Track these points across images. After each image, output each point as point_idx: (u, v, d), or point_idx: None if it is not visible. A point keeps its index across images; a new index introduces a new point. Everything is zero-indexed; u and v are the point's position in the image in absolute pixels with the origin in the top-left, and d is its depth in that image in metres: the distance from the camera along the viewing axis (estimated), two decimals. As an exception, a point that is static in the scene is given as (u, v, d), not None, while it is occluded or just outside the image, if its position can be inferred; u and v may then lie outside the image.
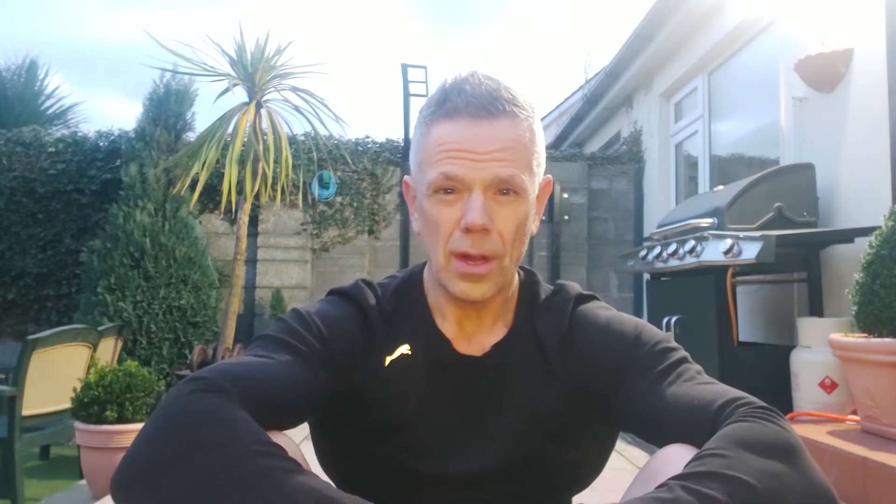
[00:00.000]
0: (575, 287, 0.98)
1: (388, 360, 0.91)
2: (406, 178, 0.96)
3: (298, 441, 0.83)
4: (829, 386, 2.68)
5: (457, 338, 0.93)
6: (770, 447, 0.65)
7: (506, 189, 0.84)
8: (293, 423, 0.83)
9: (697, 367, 0.87)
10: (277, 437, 0.73)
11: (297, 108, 4.70)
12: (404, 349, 0.91)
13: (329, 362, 0.86)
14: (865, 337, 2.14)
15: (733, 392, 0.77)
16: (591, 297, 0.98)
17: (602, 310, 0.96)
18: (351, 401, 0.90)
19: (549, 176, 0.94)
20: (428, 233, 0.88)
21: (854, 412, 2.37)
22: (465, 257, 0.84)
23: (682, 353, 0.88)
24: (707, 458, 0.64)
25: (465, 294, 0.86)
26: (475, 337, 0.93)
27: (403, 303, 0.95)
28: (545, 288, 0.99)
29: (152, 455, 0.65)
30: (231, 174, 4.38)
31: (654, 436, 0.83)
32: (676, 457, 0.72)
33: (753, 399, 0.75)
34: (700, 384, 0.81)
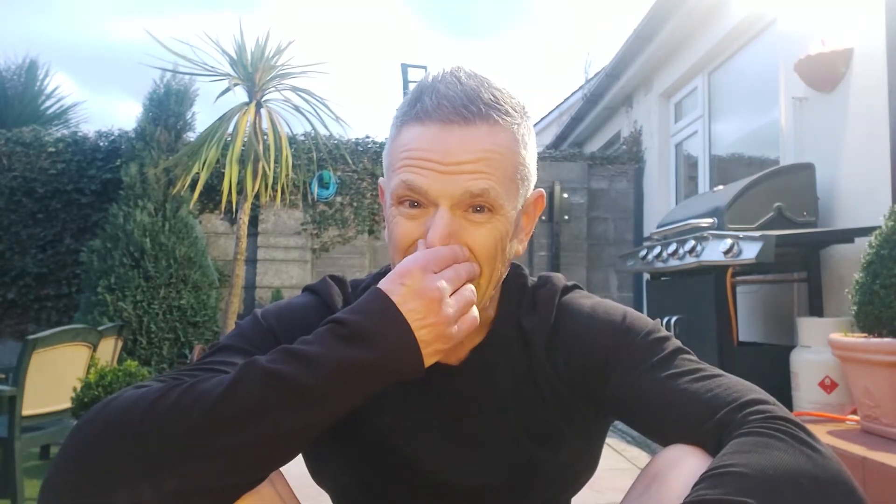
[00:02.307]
0: (560, 279, 0.93)
1: None
2: (381, 180, 0.87)
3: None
4: (829, 386, 2.68)
5: None
6: (790, 464, 0.61)
7: (479, 205, 0.75)
8: None
9: (694, 357, 0.81)
10: None
11: (297, 108, 4.70)
12: None
13: None
14: (865, 337, 2.13)
15: (745, 392, 0.71)
16: (573, 287, 0.93)
17: (585, 298, 0.90)
18: None
19: (541, 190, 0.87)
20: (389, 244, 0.81)
21: (854, 412, 2.37)
22: None
23: (676, 342, 0.83)
24: (725, 476, 0.59)
25: None
26: (453, 347, 0.84)
27: None
28: (530, 280, 0.93)
29: (77, 457, 0.64)
30: (231, 174, 4.38)
31: (654, 431, 0.79)
32: (679, 460, 0.69)
33: (768, 405, 0.69)
34: (705, 379, 0.76)
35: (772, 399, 0.72)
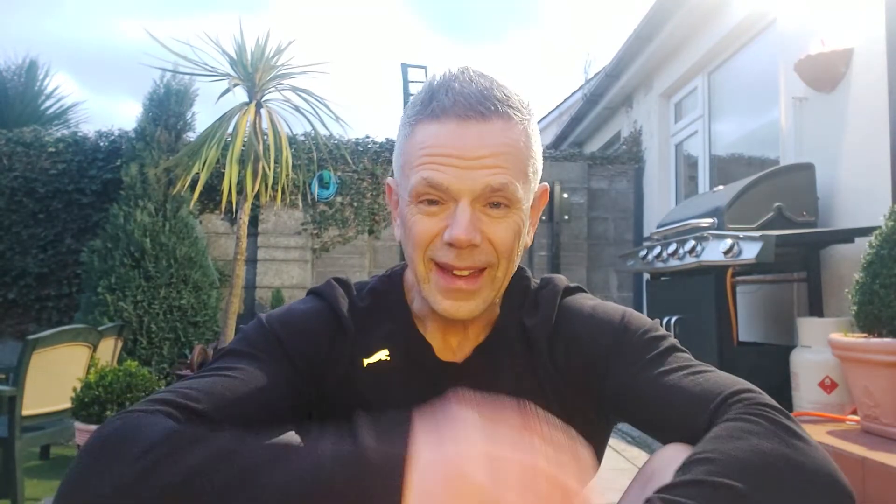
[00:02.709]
0: (563, 280, 0.95)
1: (366, 362, 0.86)
2: (389, 180, 0.89)
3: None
4: (829, 386, 2.68)
5: (440, 348, 0.88)
6: (762, 447, 0.62)
7: (497, 201, 0.77)
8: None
9: (688, 355, 0.83)
10: None
11: (297, 108, 4.70)
12: (382, 354, 0.87)
13: (288, 364, 0.82)
14: (865, 337, 2.13)
15: (732, 385, 0.73)
16: (576, 289, 0.94)
17: (587, 299, 0.92)
18: (328, 404, 0.86)
19: (546, 184, 0.89)
20: (407, 242, 0.82)
21: (854, 412, 2.37)
22: (448, 270, 0.77)
23: (672, 340, 0.84)
24: (693, 464, 0.62)
25: (448, 314, 0.80)
26: (460, 347, 0.89)
27: (381, 303, 0.90)
28: (532, 282, 0.94)
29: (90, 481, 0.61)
30: (231, 174, 4.37)
31: (650, 427, 0.80)
32: (675, 458, 0.69)
33: (752, 393, 0.71)
34: (695, 374, 0.77)
35: (758, 390, 0.73)
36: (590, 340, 0.86)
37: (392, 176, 0.88)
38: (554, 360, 0.87)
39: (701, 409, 0.72)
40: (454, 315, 0.80)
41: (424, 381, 0.86)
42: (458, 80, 0.79)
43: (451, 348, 0.89)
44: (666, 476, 0.69)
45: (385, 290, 0.92)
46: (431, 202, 0.77)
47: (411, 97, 0.87)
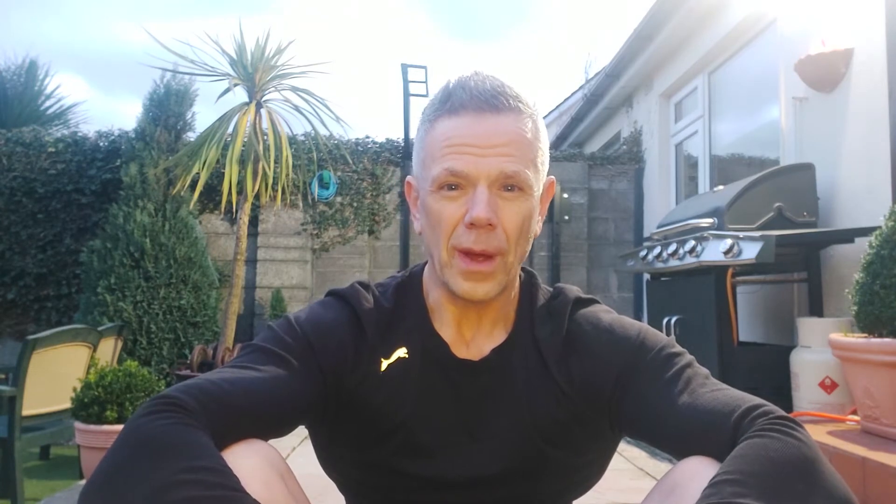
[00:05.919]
0: (574, 290, 0.97)
1: (386, 363, 0.89)
2: (408, 178, 0.95)
3: (296, 444, 0.84)
4: (829, 386, 2.68)
5: (455, 342, 0.91)
6: (787, 466, 0.65)
7: (510, 185, 0.83)
8: (279, 432, 0.82)
9: (704, 370, 0.85)
10: (254, 445, 0.74)
11: (297, 108, 4.70)
12: (401, 352, 0.90)
13: (316, 369, 0.85)
14: (865, 337, 2.13)
15: (748, 399, 0.76)
16: (591, 301, 0.97)
17: (603, 313, 0.94)
18: (346, 404, 0.89)
19: (553, 177, 0.93)
20: (430, 230, 0.86)
21: (854, 412, 2.37)
22: (468, 254, 0.83)
23: (688, 357, 0.87)
24: (720, 485, 0.63)
25: (467, 294, 0.84)
26: (473, 341, 0.92)
27: (402, 302, 0.94)
28: (544, 291, 0.97)
29: (100, 485, 0.65)
30: (231, 174, 4.37)
31: (669, 447, 0.82)
32: (699, 472, 0.71)
33: (769, 407, 0.74)
34: (712, 391, 0.80)
35: (771, 405, 0.75)
36: (605, 357, 0.88)
37: (410, 174, 0.93)
38: (565, 371, 0.90)
39: (721, 424, 0.74)
40: (472, 295, 0.84)
41: (441, 378, 0.90)
42: (472, 79, 0.86)
43: (466, 342, 0.92)
44: (689, 490, 0.70)
45: (406, 289, 0.95)
46: (451, 188, 0.83)
47: (422, 98, 0.91)
